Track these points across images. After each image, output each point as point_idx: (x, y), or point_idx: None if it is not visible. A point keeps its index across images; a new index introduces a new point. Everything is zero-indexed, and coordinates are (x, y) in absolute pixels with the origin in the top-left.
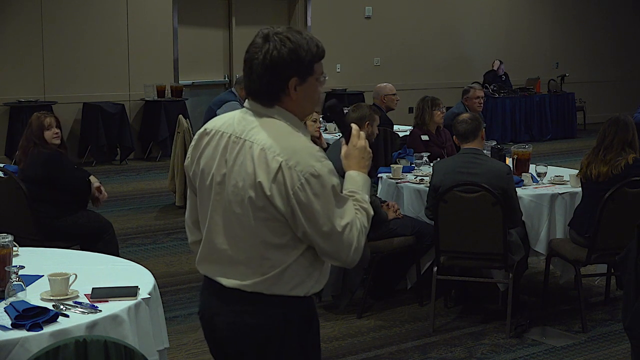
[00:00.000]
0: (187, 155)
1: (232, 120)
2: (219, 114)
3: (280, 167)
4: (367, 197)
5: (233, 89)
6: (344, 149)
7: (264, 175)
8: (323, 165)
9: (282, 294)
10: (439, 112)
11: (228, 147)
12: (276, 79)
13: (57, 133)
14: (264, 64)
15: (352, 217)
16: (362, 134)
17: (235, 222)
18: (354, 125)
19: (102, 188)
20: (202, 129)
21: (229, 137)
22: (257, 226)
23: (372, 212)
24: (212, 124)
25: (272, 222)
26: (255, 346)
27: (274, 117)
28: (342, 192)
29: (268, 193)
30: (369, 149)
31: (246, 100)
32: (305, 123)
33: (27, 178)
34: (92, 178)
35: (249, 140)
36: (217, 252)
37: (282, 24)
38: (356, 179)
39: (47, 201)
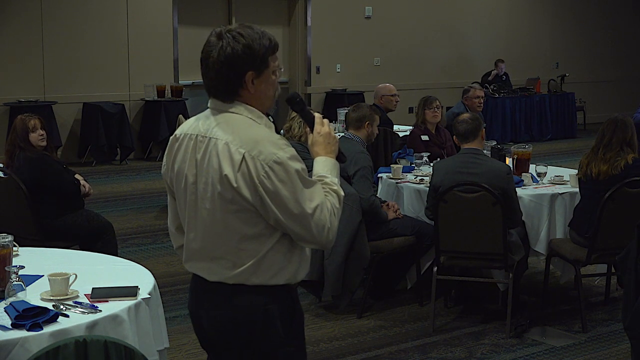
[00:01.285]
0: (163, 163)
1: (198, 122)
2: None
3: (243, 158)
4: (336, 180)
5: None
6: (309, 138)
7: (229, 168)
8: (285, 152)
9: (263, 283)
10: (431, 112)
11: (196, 147)
12: (233, 74)
13: (42, 135)
14: (219, 61)
15: (322, 199)
16: (326, 120)
17: (208, 219)
18: (316, 114)
19: (86, 184)
20: (173, 136)
21: (196, 137)
22: (229, 219)
23: (342, 193)
24: (181, 128)
25: (243, 214)
26: (239, 337)
27: (234, 113)
28: (309, 177)
29: (235, 185)
30: (333, 134)
31: (209, 100)
32: (300, 122)
33: None
34: (76, 176)
35: (213, 137)
36: (197, 251)
37: (282, 24)
38: (324, 164)
39: (43, 202)
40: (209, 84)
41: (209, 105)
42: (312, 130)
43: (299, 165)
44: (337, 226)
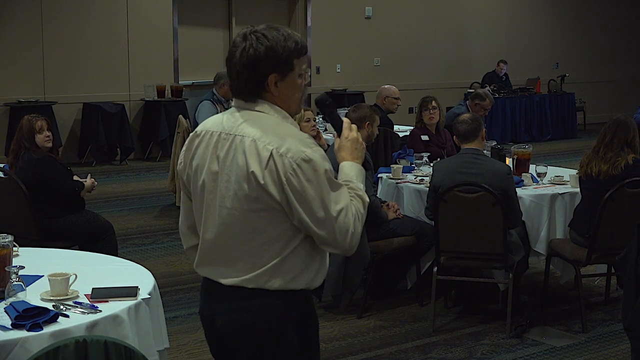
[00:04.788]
0: (180, 160)
1: (221, 119)
2: (196, 114)
3: (271, 154)
4: (361, 186)
5: (214, 89)
6: (336, 142)
7: (256, 165)
8: (314, 151)
9: (281, 286)
10: (427, 113)
11: (219, 144)
12: (254, 76)
13: (48, 136)
14: (241, 62)
15: (347, 203)
16: (354, 126)
17: (228, 218)
18: (344, 118)
19: (87, 184)
20: (193, 132)
21: (219, 134)
22: (252, 218)
23: (367, 199)
24: (202, 126)
25: (266, 213)
26: (254, 343)
27: (260, 111)
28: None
29: (262, 182)
30: (360, 140)
31: (233, 100)
32: (299, 124)
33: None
34: (75, 177)
35: (239, 134)
36: (214, 252)
37: (282, 24)
38: (350, 169)
39: (43, 203)
40: (232, 85)
41: (232, 104)
42: (339, 135)
43: (327, 165)
44: (360, 231)
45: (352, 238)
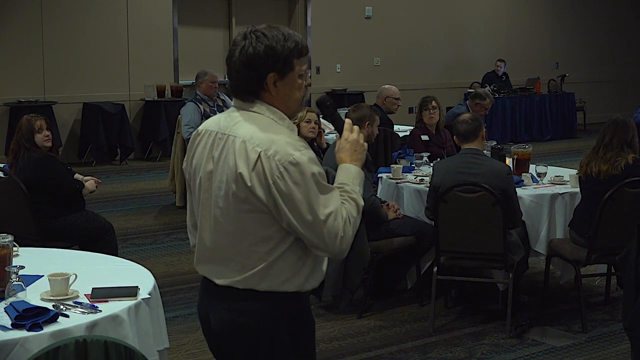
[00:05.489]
0: (185, 158)
1: (219, 119)
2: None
3: (259, 156)
4: (357, 189)
5: (196, 89)
6: (337, 143)
7: (244, 166)
8: (302, 154)
9: (273, 289)
10: (427, 113)
11: (214, 144)
12: (253, 75)
13: (47, 136)
14: (240, 61)
15: (337, 206)
16: (355, 127)
17: (221, 218)
18: (347, 120)
19: (88, 185)
20: (195, 131)
21: (216, 134)
22: (242, 219)
23: (362, 203)
24: (204, 125)
25: (256, 214)
26: (248, 343)
27: (256, 112)
28: (328, 183)
29: (249, 184)
30: (362, 142)
31: (232, 100)
32: (298, 125)
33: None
34: (76, 176)
35: (232, 134)
36: (209, 251)
37: (282, 24)
38: (348, 171)
39: (44, 202)
40: (231, 83)
41: (232, 104)
42: (340, 136)
43: (316, 169)
44: (351, 235)
45: (342, 242)
